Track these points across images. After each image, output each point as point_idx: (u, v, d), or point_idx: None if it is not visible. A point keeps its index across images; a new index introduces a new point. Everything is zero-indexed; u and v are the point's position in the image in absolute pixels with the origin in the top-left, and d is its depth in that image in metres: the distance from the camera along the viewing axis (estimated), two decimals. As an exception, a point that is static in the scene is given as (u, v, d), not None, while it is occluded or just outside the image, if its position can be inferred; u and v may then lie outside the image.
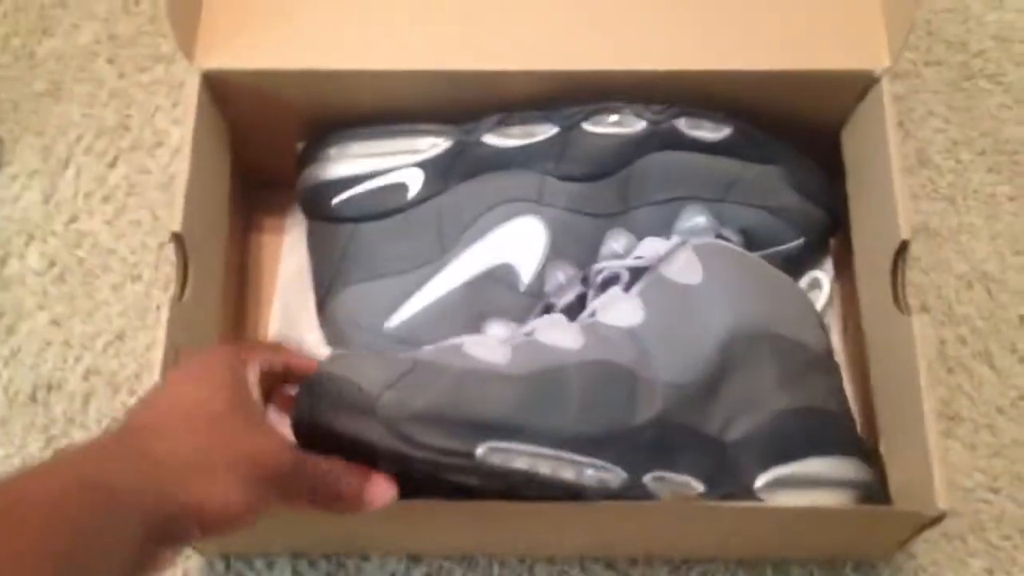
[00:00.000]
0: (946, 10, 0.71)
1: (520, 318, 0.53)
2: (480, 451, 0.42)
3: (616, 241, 0.54)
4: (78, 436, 0.59)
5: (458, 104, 0.55)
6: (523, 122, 0.55)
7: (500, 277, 0.54)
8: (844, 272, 0.59)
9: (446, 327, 0.52)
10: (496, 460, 0.42)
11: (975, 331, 0.62)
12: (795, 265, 0.57)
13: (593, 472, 0.43)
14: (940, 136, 0.68)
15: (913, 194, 0.64)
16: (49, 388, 0.60)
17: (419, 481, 0.43)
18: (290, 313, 0.60)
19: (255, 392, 0.41)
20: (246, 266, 0.62)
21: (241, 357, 0.42)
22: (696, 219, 0.55)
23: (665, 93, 0.54)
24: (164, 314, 0.48)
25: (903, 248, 0.50)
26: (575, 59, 0.54)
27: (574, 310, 0.53)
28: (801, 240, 0.56)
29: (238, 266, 0.61)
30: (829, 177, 0.58)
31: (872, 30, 0.54)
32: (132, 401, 0.60)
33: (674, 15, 0.55)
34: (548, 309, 0.53)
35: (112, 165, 0.66)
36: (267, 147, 0.58)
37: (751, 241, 0.55)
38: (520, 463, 0.42)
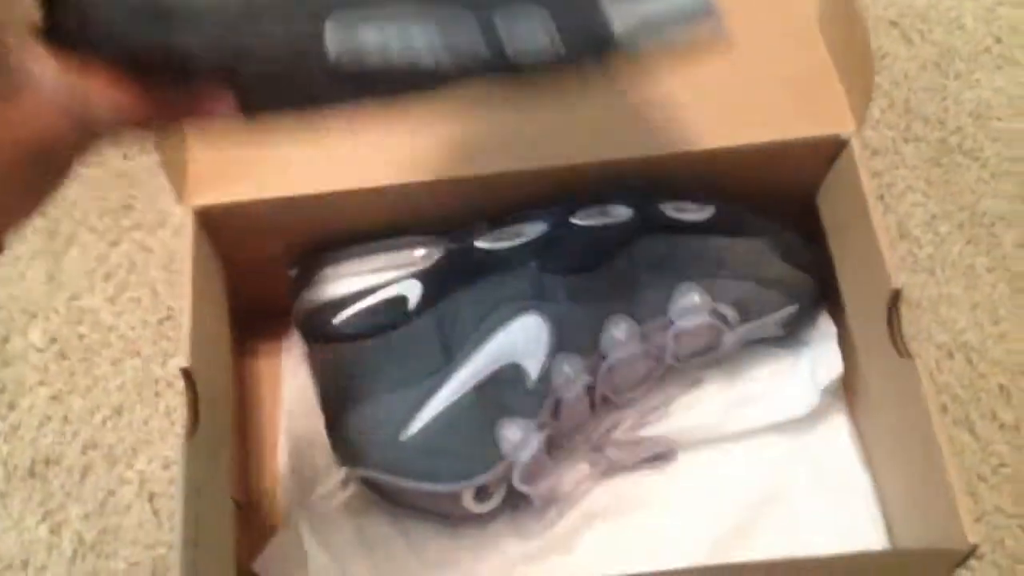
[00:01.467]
0: (924, 89, 0.74)
1: (532, 414, 0.54)
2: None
3: (617, 327, 0.55)
4: (75, 511, 0.60)
5: (445, 211, 0.56)
6: (512, 223, 0.56)
7: (508, 377, 0.55)
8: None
9: (461, 432, 0.54)
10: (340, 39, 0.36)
11: (956, 399, 0.63)
12: (790, 330, 0.59)
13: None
14: (919, 210, 0.69)
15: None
16: (47, 462, 0.61)
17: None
18: (298, 438, 0.60)
19: (11, 56, 0.31)
20: (246, 393, 0.63)
21: None
22: (691, 297, 0.56)
23: (646, 179, 0.56)
24: (180, 451, 0.48)
25: (896, 297, 0.51)
26: (554, 157, 0.55)
27: (583, 402, 0.55)
28: (795, 307, 0.58)
29: (238, 394, 0.61)
30: (811, 241, 0.60)
31: (836, 98, 0.56)
32: (130, 474, 0.61)
33: (642, 103, 0.56)
34: (558, 404, 0.55)
35: (115, 244, 0.68)
36: (259, 275, 0.59)
37: (745, 312, 0.57)
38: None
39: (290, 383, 0.62)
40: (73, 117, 0.31)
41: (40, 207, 0.31)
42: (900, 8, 0.77)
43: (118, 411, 0.63)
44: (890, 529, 0.56)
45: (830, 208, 0.58)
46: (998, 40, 0.76)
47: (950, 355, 0.64)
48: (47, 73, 0.31)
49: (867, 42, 0.53)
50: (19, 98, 0.30)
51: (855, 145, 0.54)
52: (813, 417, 0.59)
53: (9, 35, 0.31)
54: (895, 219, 0.69)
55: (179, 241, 0.53)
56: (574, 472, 0.58)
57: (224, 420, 0.56)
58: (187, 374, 0.49)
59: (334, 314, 0.56)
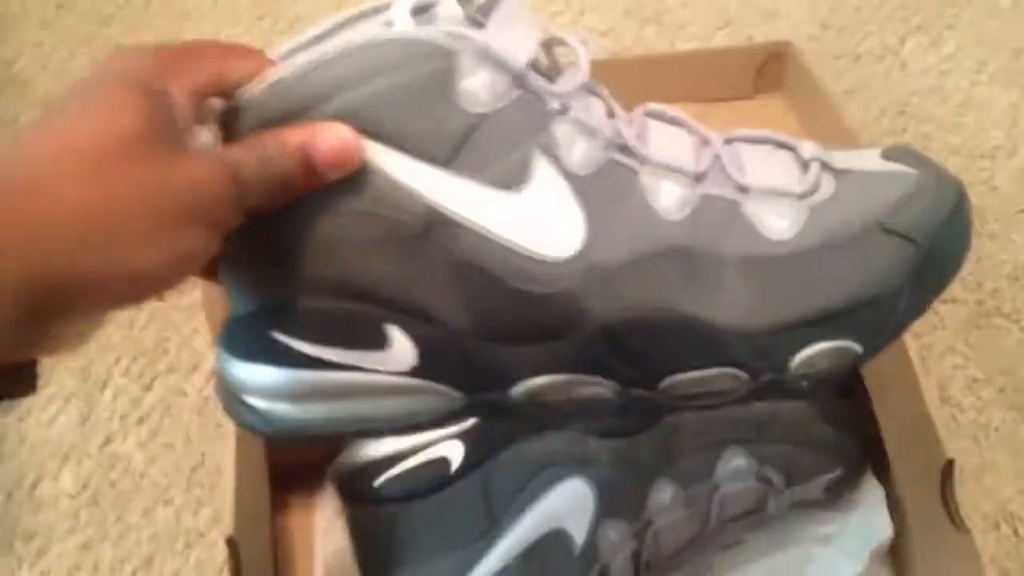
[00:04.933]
0: (959, 250, 0.74)
1: None
2: None
3: (662, 492, 0.54)
4: (100, 667, 0.58)
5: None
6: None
7: (554, 544, 0.54)
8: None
9: None
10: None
11: (1003, 572, 0.62)
12: (834, 494, 0.58)
13: None
14: (959, 373, 0.69)
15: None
16: (75, 615, 0.60)
17: None
18: None
19: (180, 111, 0.30)
20: (280, 550, 0.61)
21: (161, 67, 0.31)
22: (736, 461, 0.56)
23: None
24: None
25: (949, 467, 0.50)
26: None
27: (628, 568, 0.54)
28: (840, 470, 0.58)
29: (273, 550, 0.61)
30: (855, 403, 0.59)
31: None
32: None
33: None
34: (604, 571, 0.53)
35: (148, 388, 0.68)
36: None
37: (790, 476, 0.56)
38: None
39: (325, 541, 0.61)
40: (232, 181, 0.30)
41: (175, 277, 0.29)
42: (935, 170, 0.78)
43: (148, 561, 0.62)
44: None
45: (873, 369, 0.58)
46: (1032, 201, 0.77)
47: (996, 526, 0.63)
48: (210, 138, 0.33)
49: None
50: (183, 150, 0.30)
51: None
52: (860, 583, 0.57)
53: (182, 96, 0.30)
54: (935, 381, 0.69)
55: (225, 458, 0.51)
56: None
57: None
58: (231, 544, 0.49)
59: (376, 475, 0.56)
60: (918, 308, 0.40)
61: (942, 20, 0.88)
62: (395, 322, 0.36)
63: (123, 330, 0.70)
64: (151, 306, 0.71)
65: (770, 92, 0.75)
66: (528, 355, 0.37)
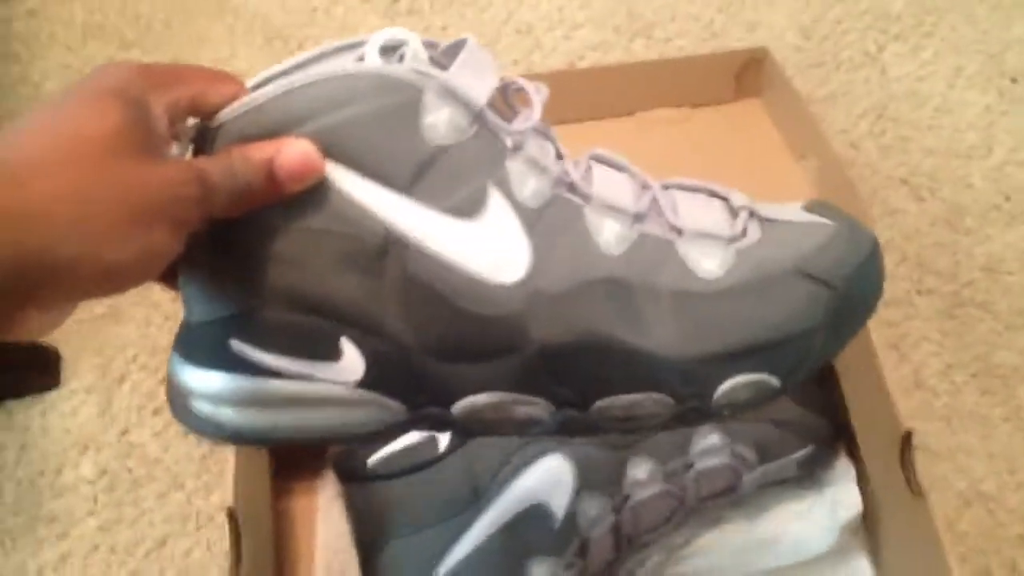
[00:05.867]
0: (935, 244, 0.77)
1: (560, 553, 0.56)
2: None
3: (639, 468, 0.58)
4: (116, 639, 0.62)
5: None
6: None
7: (535, 517, 0.57)
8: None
9: (490, 571, 0.55)
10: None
11: (975, 549, 0.64)
12: (807, 471, 0.61)
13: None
14: (934, 360, 0.72)
15: (909, 415, 0.68)
16: (93, 592, 0.64)
17: None
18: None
19: (157, 122, 0.32)
20: (283, 530, 0.64)
21: (144, 81, 0.33)
22: (710, 439, 0.59)
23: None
24: None
25: (907, 438, 0.53)
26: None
27: (608, 541, 0.57)
28: (811, 448, 0.60)
29: (276, 531, 0.63)
30: (825, 386, 0.62)
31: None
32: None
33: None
34: (584, 544, 0.56)
35: (163, 381, 0.71)
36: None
37: (763, 453, 0.59)
38: None
39: (325, 521, 0.64)
40: (198, 183, 0.32)
41: (140, 272, 0.31)
42: (910, 168, 0.81)
43: (162, 543, 0.65)
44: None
45: (842, 355, 0.61)
46: (1007, 198, 0.80)
47: (968, 504, 0.66)
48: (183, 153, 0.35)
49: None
50: (156, 154, 0.32)
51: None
52: (833, 555, 0.60)
53: (160, 109, 0.33)
54: (910, 368, 0.71)
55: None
56: (601, 611, 0.59)
57: (265, 558, 0.58)
58: (232, 515, 0.52)
59: (368, 455, 0.59)
60: (835, 346, 0.43)
61: (921, 28, 0.91)
62: (348, 336, 0.37)
63: (140, 328, 0.75)
64: (167, 307, 0.76)
65: (749, 97, 0.79)
66: (471, 373, 0.39)
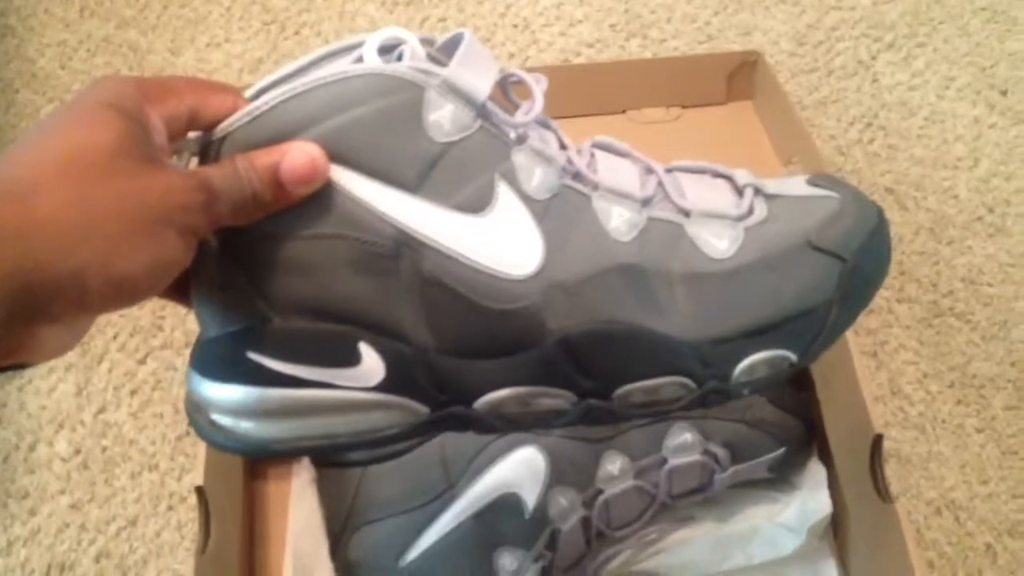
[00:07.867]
0: (917, 252, 0.78)
1: (528, 545, 0.56)
2: None
3: (612, 463, 0.58)
4: (84, 617, 0.62)
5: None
6: None
7: (506, 506, 0.57)
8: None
9: (459, 559, 0.56)
10: None
11: (943, 556, 0.65)
12: (779, 473, 0.61)
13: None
14: (911, 368, 0.72)
15: (885, 421, 0.69)
16: (62, 569, 0.64)
17: None
18: (303, 559, 0.61)
19: (156, 134, 0.33)
20: (254, 514, 0.65)
21: (142, 94, 0.33)
22: (683, 436, 0.59)
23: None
24: (189, 566, 0.50)
25: (878, 442, 0.53)
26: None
27: (579, 535, 0.57)
28: (783, 450, 0.61)
29: (248, 514, 0.64)
30: (800, 388, 0.63)
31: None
32: (138, 585, 0.63)
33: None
34: (554, 536, 0.57)
35: (142, 362, 0.72)
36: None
37: (735, 453, 0.59)
38: None
39: (298, 505, 0.64)
40: (202, 190, 0.32)
41: (151, 282, 0.31)
42: (896, 176, 0.82)
43: (133, 522, 0.65)
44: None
45: (817, 360, 0.62)
46: (991, 210, 0.80)
47: (938, 512, 0.66)
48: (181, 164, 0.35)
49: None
50: (158, 164, 0.31)
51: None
52: (801, 558, 0.60)
53: (158, 121, 0.33)
54: (887, 375, 0.72)
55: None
56: (568, 605, 0.60)
57: (233, 539, 0.58)
58: (200, 492, 0.52)
59: None
60: (847, 319, 0.43)
61: (914, 39, 0.91)
62: (366, 340, 0.37)
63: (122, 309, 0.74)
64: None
65: (741, 100, 0.79)
66: (491, 369, 0.39)
